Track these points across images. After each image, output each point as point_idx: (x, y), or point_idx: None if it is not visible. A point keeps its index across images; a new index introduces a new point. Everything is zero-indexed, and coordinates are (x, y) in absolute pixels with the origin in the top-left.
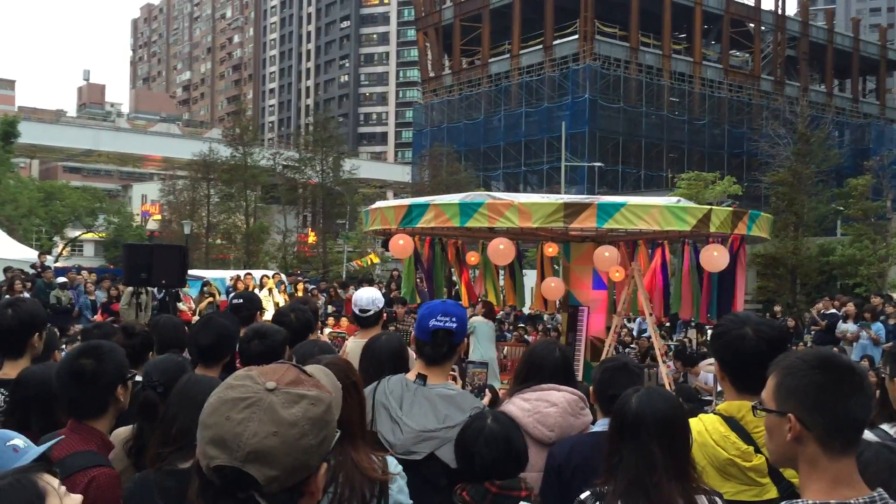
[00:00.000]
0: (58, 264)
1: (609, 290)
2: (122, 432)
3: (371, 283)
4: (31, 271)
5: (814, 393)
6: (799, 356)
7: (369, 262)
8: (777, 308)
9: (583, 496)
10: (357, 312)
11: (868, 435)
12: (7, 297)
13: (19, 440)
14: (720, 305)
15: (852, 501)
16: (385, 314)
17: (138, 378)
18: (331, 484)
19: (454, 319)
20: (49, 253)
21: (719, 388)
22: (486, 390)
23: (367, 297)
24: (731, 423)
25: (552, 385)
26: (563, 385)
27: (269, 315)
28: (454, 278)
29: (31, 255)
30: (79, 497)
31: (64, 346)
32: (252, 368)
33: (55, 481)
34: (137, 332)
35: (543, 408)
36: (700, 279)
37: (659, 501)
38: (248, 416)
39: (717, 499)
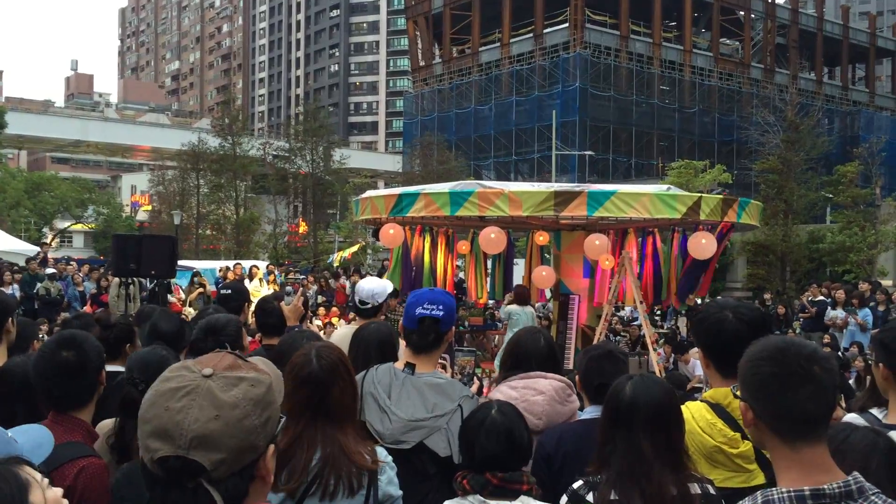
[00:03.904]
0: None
1: (590, 279)
2: (106, 425)
3: (359, 272)
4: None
5: (758, 384)
6: (759, 345)
7: (348, 256)
8: (767, 295)
9: (575, 485)
10: (357, 303)
11: (858, 419)
12: None
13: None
14: (687, 289)
15: (826, 488)
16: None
17: (112, 369)
18: (321, 472)
19: (441, 307)
20: (40, 245)
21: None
22: (475, 378)
23: (368, 289)
24: (718, 409)
25: (539, 373)
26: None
27: None
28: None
29: (20, 246)
30: (60, 490)
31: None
32: (188, 360)
33: (37, 473)
34: (113, 324)
35: (531, 396)
36: (682, 266)
37: (652, 490)
38: (187, 404)
39: (709, 486)
